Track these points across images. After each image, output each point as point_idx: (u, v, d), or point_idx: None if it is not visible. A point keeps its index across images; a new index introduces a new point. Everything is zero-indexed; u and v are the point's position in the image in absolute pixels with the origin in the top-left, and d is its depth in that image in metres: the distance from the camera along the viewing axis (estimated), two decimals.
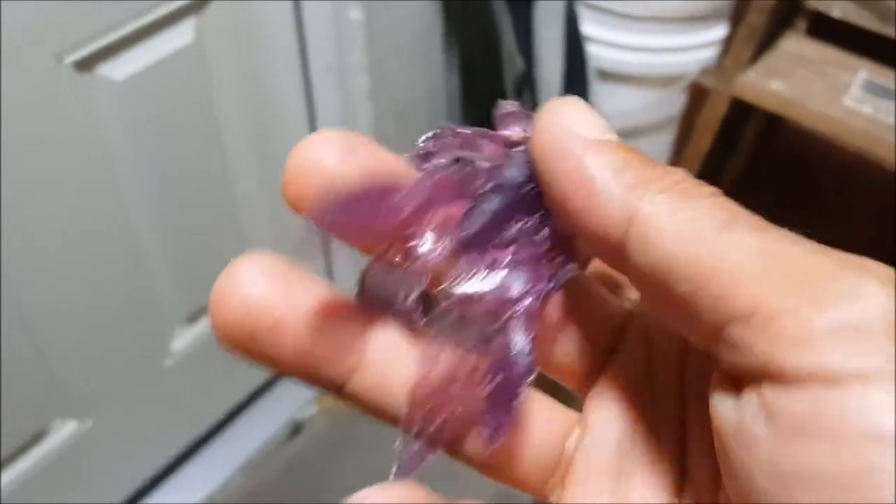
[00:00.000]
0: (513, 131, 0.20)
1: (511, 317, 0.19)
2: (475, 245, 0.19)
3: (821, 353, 0.14)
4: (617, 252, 0.17)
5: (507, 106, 0.20)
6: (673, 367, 0.20)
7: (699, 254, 0.15)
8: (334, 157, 0.18)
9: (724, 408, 0.16)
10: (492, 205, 0.19)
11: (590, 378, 0.21)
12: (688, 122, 1.11)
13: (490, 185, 0.19)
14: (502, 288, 0.19)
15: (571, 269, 0.20)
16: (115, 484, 1.03)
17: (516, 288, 0.19)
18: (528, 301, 0.19)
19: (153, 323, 0.97)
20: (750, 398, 0.15)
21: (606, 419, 0.20)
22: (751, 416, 0.15)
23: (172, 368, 1.01)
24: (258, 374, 1.15)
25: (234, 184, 0.96)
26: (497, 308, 0.19)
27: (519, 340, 0.19)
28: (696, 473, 0.19)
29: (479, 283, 0.19)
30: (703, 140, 1.07)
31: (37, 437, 0.91)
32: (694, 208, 0.16)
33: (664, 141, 1.16)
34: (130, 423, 0.99)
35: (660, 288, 0.16)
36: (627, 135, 1.13)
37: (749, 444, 0.15)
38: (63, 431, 0.93)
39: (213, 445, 1.12)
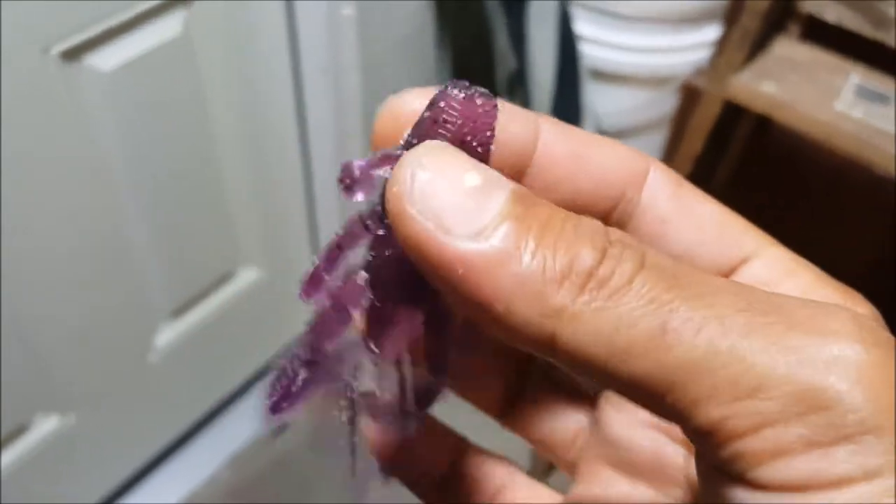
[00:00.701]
0: (360, 197, 0.18)
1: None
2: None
3: (789, 466, 0.13)
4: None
5: (350, 170, 0.17)
6: None
7: (639, 373, 0.14)
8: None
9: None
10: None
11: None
12: (680, 123, 1.11)
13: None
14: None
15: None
16: (99, 478, 1.03)
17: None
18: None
19: (138, 318, 0.96)
20: (723, 488, 0.14)
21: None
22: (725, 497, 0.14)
23: (157, 364, 1.00)
24: (244, 370, 1.14)
25: (222, 178, 0.95)
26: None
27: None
28: None
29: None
30: (696, 141, 1.07)
31: (18, 431, 0.90)
32: (619, 313, 0.14)
33: (655, 141, 1.15)
34: (115, 417, 0.99)
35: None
36: (619, 135, 1.12)
37: None
38: (45, 425, 0.92)
39: (198, 441, 1.11)
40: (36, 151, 0.74)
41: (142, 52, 0.78)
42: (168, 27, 0.80)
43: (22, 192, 0.75)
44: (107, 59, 0.76)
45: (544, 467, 1.00)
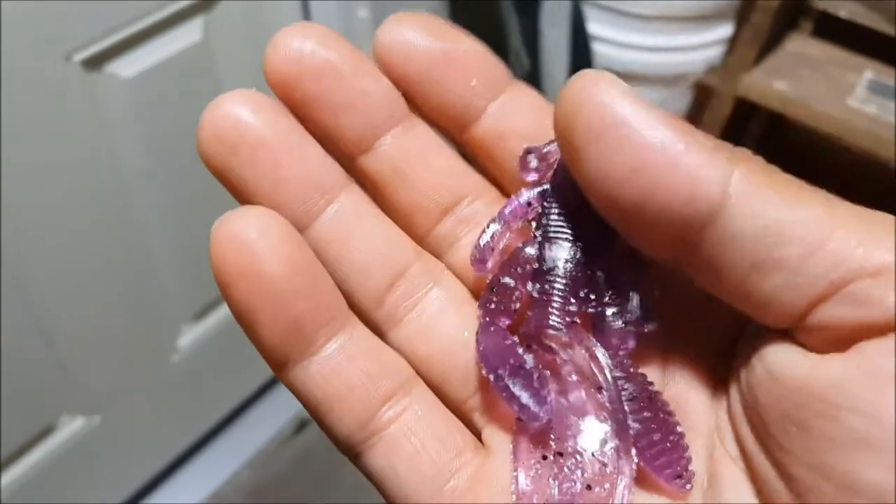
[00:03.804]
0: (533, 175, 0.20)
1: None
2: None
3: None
4: (689, 231, 0.15)
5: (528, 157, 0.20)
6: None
7: (811, 215, 0.15)
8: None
9: (804, 366, 0.16)
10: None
11: None
12: (692, 122, 1.10)
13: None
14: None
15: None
16: (123, 479, 1.04)
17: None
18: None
19: (161, 320, 0.97)
20: (865, 351, 0.15)
21: None
22: (868, 366, 0.14)
23: (180, 365, 1.01)
24: (264, 371, 1.15)
25: None
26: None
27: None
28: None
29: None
30: None
31: (45, 433, 0.91)
32: (779, 175, 0.16)
33: None
34: (138, 418, 1.00)
35: (753, 257, 0.15)
36: None
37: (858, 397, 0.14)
38: (71, 427, 0.93)
39: (219, 441, 1.12)
40: (58, 158, 0.75)
41: (162, 59, 0.80)
42: (188, 34, 0.81)
43: (44, 197, 0.76)
44: (127, 66, 0.78)
45: None
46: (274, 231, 0.18)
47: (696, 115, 1.10)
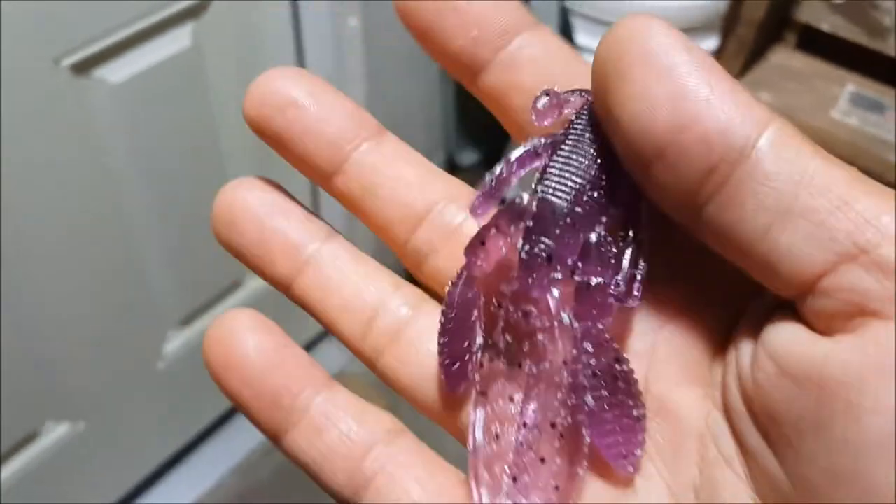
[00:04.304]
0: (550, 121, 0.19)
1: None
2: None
3: None
4: (721, 166, 0.15)
5: (541, 98, 0.19)
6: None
7: (841, 175, 0.15)
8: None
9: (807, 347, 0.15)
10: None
11: None
12: None
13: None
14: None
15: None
16: (108, 485, 1.03)
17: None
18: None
19: (147, 326, 0.97)
20: (878, 336, 0.14)
21: None
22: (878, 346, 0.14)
23: (165, 371, 1.01)
24: None
25: None
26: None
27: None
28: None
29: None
30: None
31: (28, 439, 0.91)
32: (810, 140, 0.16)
33: None
34: (123, 425, 1.00)
35: (781, 201, 0.15)
36: None
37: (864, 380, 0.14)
38: (55, 433, 0.93)
39: (205, 448, 1.12)
40: (46, 162, 0.76)
41: (151, 65, 0.80)
42: (177, 40, 0.81)
43: (32, 202, 0.76)
44: (116, 71, 0.78)
45: None
46: (249, 327, 0.22)
47: None
